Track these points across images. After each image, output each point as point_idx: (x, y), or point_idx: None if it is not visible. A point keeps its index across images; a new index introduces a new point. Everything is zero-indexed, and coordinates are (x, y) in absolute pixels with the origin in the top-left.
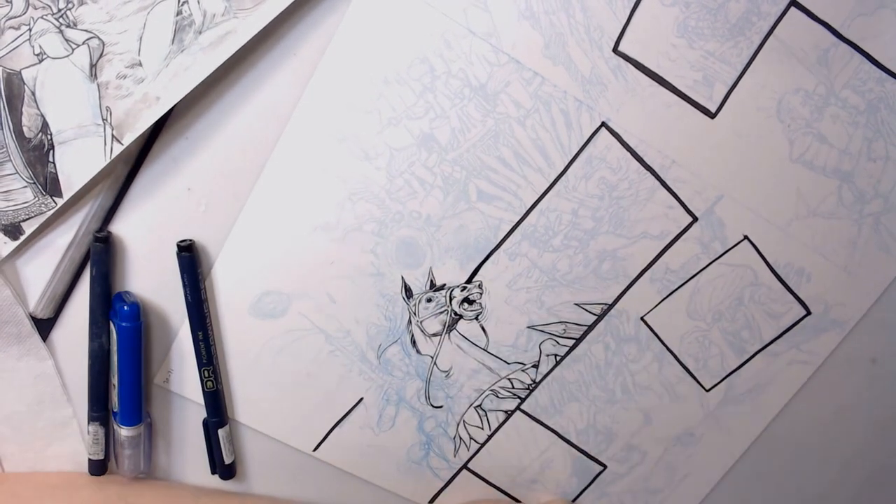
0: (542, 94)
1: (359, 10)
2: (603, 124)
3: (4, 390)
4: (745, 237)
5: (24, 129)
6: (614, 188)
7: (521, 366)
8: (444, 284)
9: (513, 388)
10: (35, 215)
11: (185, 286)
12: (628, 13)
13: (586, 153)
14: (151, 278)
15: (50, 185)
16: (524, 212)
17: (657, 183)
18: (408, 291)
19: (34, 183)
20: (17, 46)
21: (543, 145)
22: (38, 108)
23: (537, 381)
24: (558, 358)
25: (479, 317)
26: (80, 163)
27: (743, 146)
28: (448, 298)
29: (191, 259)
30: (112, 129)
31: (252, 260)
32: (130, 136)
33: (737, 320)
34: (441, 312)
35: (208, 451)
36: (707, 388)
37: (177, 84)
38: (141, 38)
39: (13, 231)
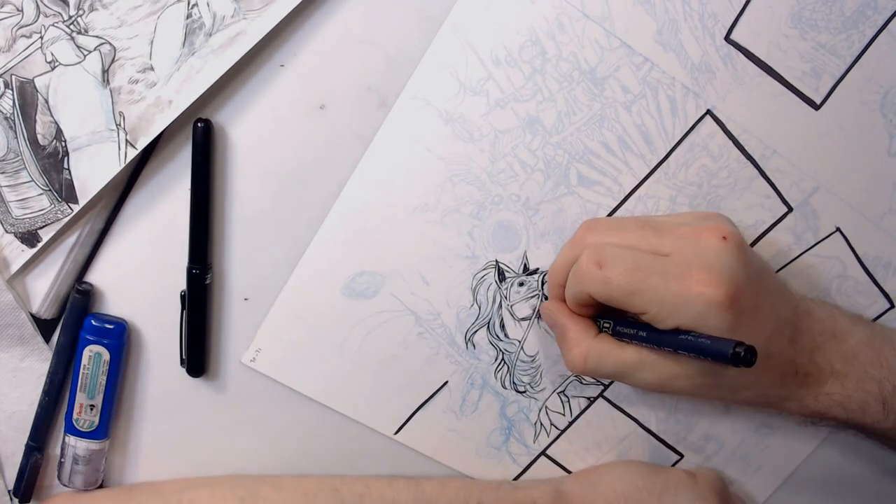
0: (651, 80)
1: None
2: (708, 112)
3: (7, 391)
4: (837, 229)
5: (39, 136)
6: (713, 176)
7: None
8: (538, 269)
9: None
10: (51, 222)
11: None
12: (744, 1)
13: (689, 140)
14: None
15: (66, 192)
16: (623, 197)
17: (756, 172)
18: (501, 275)
19: (50, 190)
20: (30, 55)
21: (647, 131)
22: (52, 116)
23: None
24: None
25: None
26: (94, 168)
27: (843, 139)
28: (540, 283)
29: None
30: (126, 134)
31: (349, 240)
32: (144, 141)
33: None
34: (532, 297)
35: None
36: None
37: (189, 87)
38: (152, 43)
39: (30, 239)
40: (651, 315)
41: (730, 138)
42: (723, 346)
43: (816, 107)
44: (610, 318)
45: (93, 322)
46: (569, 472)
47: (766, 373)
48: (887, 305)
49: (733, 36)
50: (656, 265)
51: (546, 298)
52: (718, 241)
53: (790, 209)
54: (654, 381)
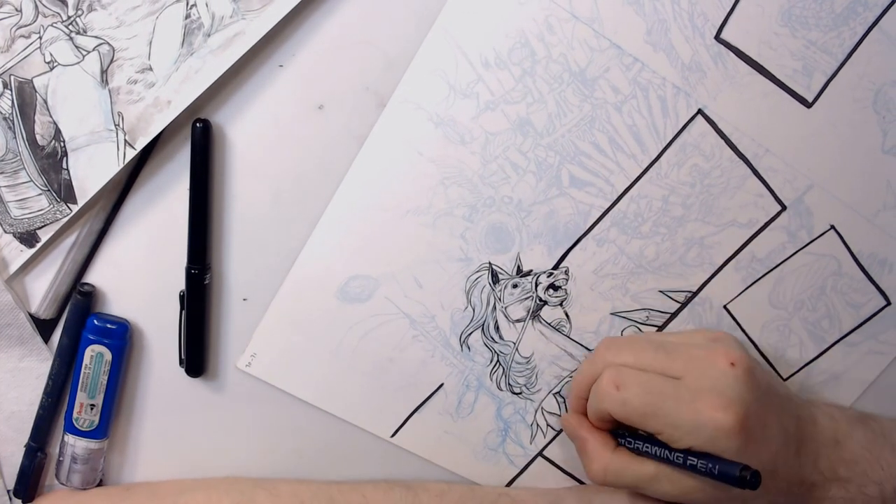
0: (641, 81)
1: None
2: (699, 111)
3: (6, 391)
4: (832, 227)
5: (38, 136)
6: (706, 176)
7: None
8: (531, 270)
9: None
10: (50, 222)
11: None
12: (734, 0)
13: (681, 140)
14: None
15: (64, 192)
16: (615, 198)
17: (749, 171)
18: (494, 277)
19: (48, 190)
20: (29, 55)
21: (638, 131)
22: (51, 116)
23: None
24: None
25: (564, 303)
26: (93, 169)
27: (836, 136)
28: (534, 284)
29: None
30: (125, 135)
31: (342, 244)
32: (143, 141)
33: (818, 310)
34: (526, 298)
35: None
36: (785, 377)
37: (188, 87)
38: (150, 43)
39: (29, 239)
40: (665, 436)
41: (722, 137)
42: (730, 469)
43: (808, 105)
44: (628, 433)
45: (95, 322)
46: (567, 472)
47: (774, 485)
48: (883, 303)
49: (723, 35)
50: (669, 389)
51: (541, 300)
52: (727, 367)
53: (784, 207)
54: (672, 493)
